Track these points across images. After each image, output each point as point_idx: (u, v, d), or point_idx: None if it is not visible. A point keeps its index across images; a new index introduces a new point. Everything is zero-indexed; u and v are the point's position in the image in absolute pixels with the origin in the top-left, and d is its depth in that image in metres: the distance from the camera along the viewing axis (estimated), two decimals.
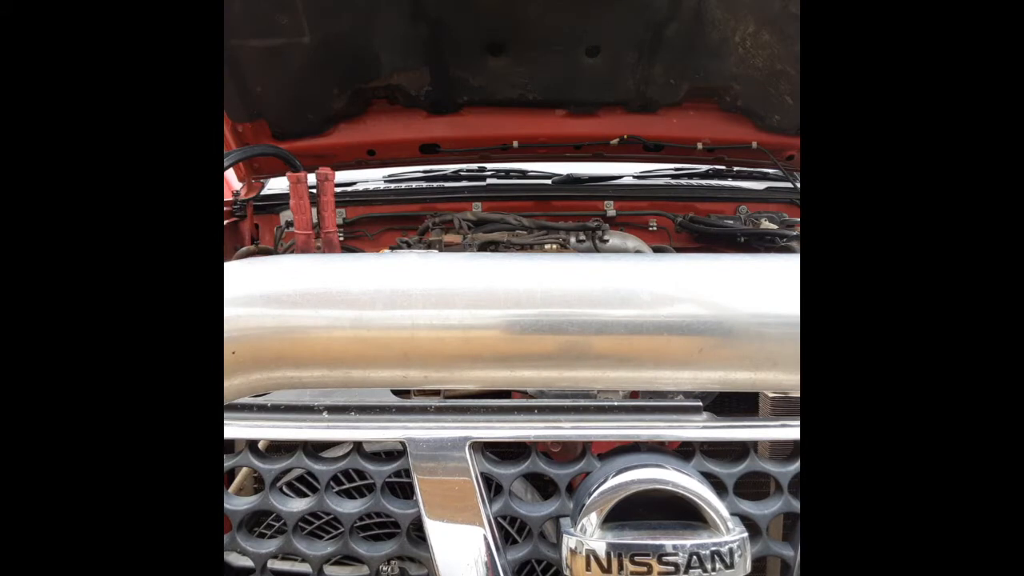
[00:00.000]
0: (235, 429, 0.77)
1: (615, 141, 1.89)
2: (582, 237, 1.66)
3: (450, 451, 0.73)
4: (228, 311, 0.64)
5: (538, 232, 1.64)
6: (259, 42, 1.61)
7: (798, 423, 0.75)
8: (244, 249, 1.73)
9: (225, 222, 1.78)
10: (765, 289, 0.67)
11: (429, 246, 1.57)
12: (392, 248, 1.54)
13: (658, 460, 0.73)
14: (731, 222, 1.75)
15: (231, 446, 0.83)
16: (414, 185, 2.00)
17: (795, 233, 1.66)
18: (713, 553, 0.67)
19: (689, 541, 0.67)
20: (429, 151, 1.96)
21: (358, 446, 0.77)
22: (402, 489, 0.83)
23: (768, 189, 1.95)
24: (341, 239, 1.60)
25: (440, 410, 0.77)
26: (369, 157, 1.98)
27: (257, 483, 0.95)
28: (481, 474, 0.73)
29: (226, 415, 0.77)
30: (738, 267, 0.69)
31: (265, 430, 0.78)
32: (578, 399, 0.79)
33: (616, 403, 0.78)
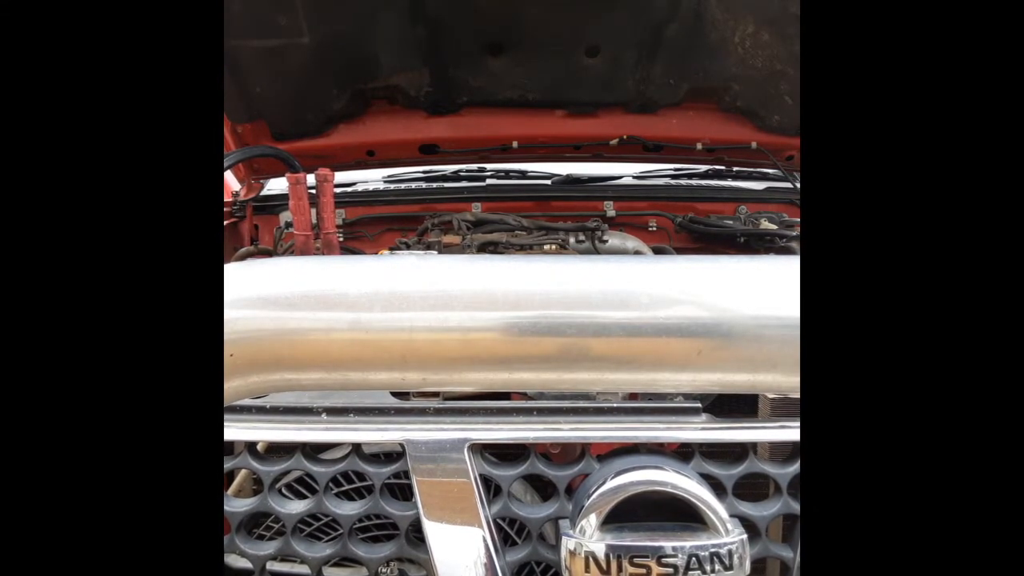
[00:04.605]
0: (234, 431, 0.77)
1: (615, 141, 1.89)
2: (581, 238, 1.66)
3: (449, 453, 0.73)
4: (226, 313, 0.64)
5: (537, 233, 1.64)
6: (259, 42, 1.60)
7: (797, 425, 0.75)
8: (244, 250, 1.73)
9: (224, 223, 1.78)
10: (764, 291, 0.67)
11: (428, 247, 1.57)
12: (391, 249, 1.54)
13: (657, 462, 0.73)
14: (731, 222, 1.75)
15: (230, 448, 0.83)
16: (414, 186, 2.00)
17: (795, 233, 1.66)
18: (712, 555, 0.67)
19: (688, 543, 0.67)
20: (429, 152, 1.96)
21: (357, 448, 0.77)
22: (401, 491, 0.83)
23: (768, 189, 1.95)
24: (341, 240, 1.60)
25: (439, 412, 0.77)
26: (369, 158, 1.98)
27: (256, 485, 0.95)
28: (480, 475, 0.73)
29: (225, 417, 0.77)
30: (737, 269, 0.69)
31: (264, 432, 0.78)
32: (577, 401, 0.79)
33: (615, 405, 0.78)
